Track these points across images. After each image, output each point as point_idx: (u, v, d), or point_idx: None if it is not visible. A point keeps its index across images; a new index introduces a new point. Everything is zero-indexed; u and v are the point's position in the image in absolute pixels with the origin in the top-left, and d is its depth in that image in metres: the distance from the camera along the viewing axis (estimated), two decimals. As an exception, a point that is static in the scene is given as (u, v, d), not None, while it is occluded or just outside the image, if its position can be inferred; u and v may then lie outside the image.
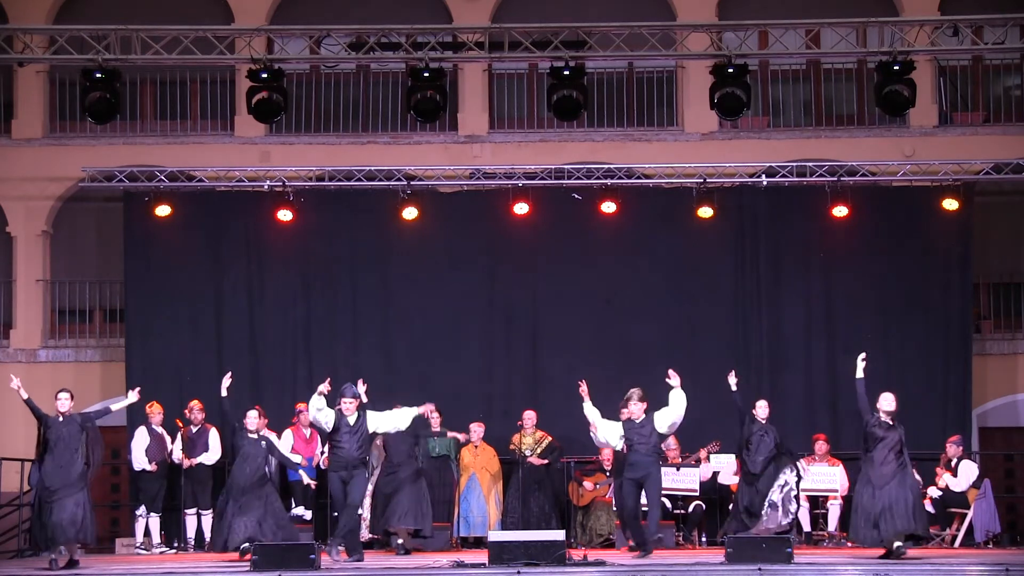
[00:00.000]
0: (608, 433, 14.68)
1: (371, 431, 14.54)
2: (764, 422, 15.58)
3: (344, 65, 19.39)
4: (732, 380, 15.52)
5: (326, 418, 14.25)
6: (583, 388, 14.65)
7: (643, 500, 14.59)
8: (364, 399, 14.53)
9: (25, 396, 13.81)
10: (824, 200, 18.14)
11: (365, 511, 15.96)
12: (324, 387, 14.17)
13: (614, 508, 16.65)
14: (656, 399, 14.53)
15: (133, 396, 14.76)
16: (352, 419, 14.26)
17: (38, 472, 13.99)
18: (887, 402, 13.96)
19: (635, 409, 14.46)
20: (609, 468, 17.15)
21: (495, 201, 18.54)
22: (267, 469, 14.94)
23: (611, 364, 18.12)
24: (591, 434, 14.91)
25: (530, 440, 17.30)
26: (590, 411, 14.68)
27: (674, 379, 14.46)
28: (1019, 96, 20.11)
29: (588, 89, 16.13)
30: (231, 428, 15.04)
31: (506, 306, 18.80)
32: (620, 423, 14.65)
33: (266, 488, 14.73)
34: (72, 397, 14.11)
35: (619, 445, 14.69)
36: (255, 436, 14.76)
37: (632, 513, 14.46)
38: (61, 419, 13.88)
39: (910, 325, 18.44)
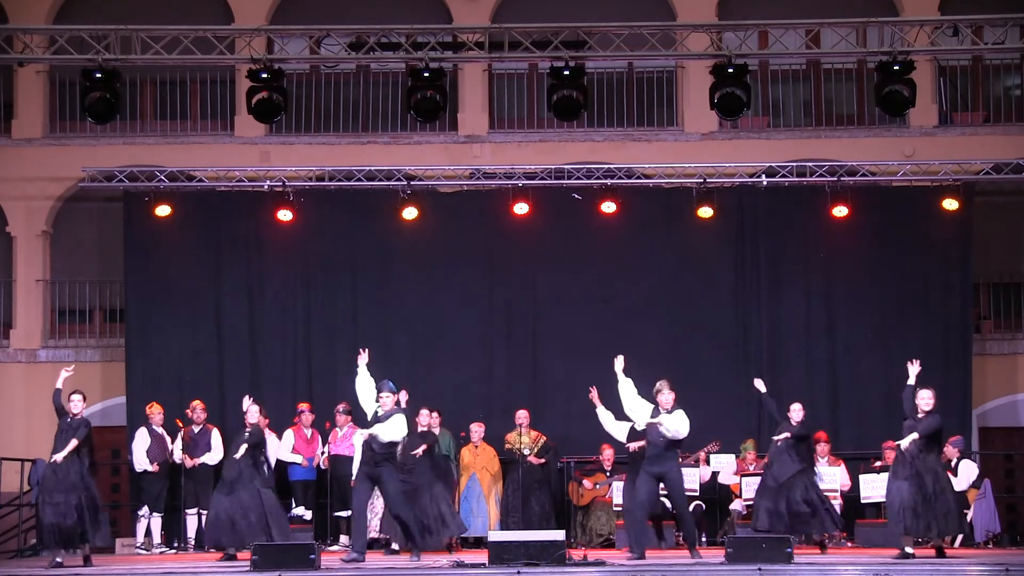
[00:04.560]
0: (637, 409, 14.16)
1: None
2: (797, 425, 15.50)
3: (344, 65, 19.38)
4: (759, 385, 15.33)
5: (366, 388, 14.10)
6: (593, 395, 14.61)
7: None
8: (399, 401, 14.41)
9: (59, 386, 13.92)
10: (824, 200, 18.13)
11: (379, 508, 15.91)
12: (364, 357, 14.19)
13: (614, 508, 16.66)
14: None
15: (66, 373, 14.25)
16: (383, 413, 14.11)
17: (39, 472, 13.96)
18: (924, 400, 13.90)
19: (666, 398, 14.02)
20: (609, 468, 17.16)
21: (495, 201, 18.54)
22: (258, 462, 14.85)
23: (611, 364, 18.05)
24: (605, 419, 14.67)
25: (527, 439, 17.29)
26: (624, 390, 14.23)
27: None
28: (1019, 96, 20.11)
29: (588, 89, 16.12)
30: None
31: (506, 306, 18.79)
32: (652, 406, 14.13)
33: (253, 482, 14.59)
34: (84, 399, 14.12)
35: (639, 424, 14.21)
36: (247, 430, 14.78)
37: (642, 505, 14.04)
38: (70, 419, 13.90)
39: (910, 325, 18.43)
